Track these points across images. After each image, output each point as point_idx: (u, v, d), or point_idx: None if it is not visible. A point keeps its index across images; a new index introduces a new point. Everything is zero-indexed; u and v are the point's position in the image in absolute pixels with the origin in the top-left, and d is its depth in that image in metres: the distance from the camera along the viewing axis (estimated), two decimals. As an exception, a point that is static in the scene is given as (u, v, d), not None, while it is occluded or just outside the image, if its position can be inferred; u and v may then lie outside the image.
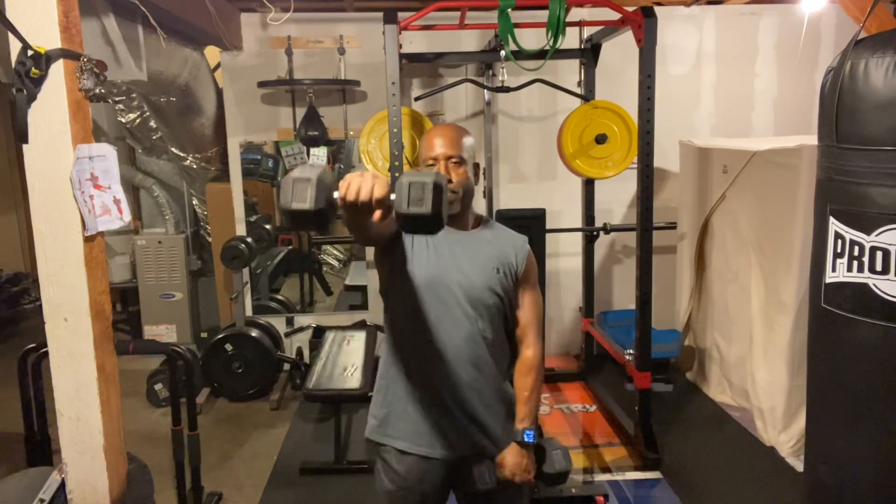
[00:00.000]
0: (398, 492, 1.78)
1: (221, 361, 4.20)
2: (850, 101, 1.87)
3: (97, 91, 1.77)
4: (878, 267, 1.84)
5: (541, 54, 3.27)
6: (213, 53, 4.60)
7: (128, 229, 5.01)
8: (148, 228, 5.06)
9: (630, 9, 3.19)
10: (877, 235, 1.84)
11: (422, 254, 1.74)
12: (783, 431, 3.38)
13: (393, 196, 1.26)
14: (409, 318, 1.73)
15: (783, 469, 3.26)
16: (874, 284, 1.85)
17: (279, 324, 4.68)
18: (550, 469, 1.77)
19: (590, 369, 4.47)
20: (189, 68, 4.20)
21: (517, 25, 3.22)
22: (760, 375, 3.53)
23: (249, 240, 4.42)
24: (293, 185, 1.22)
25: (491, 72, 4.36)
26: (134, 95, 4.51)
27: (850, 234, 1.90)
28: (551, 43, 3.12)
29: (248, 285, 4.69)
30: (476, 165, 1.80)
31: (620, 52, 4.16)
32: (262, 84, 4.37)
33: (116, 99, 4.54)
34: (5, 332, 5.72)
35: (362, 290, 4.89)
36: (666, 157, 4.51)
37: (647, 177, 3.24)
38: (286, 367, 4.47)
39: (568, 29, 3.16)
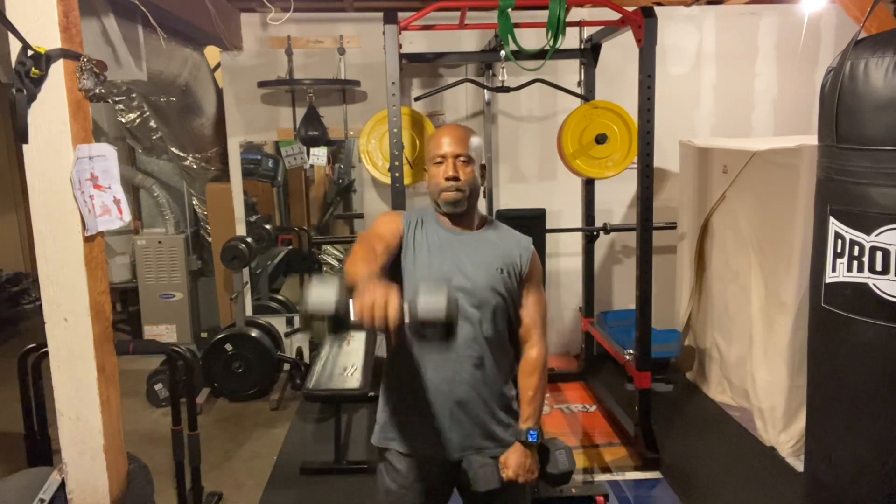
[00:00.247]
0: (399, 491, 1.79)
1: (221, 361, 4.20)
2: (850, 101, 1.87)
3: (97, 91, 1.77)
4: (878, 267, 1.84)
5: (541, 54, 3.26)
6: (213, 53, 4.60)
7: (128, 229, 5.02)
8: (148, 228, 5.06)
9: (630, 9, 3.19)
10: (877, 235, 1.84)
11: (423, 256, 1.74)
12: (783, 431, 3.38)
13: (406, 312, 1.32)
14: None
15: (783, 469, 3.26)
16: (874, 284, 1.85)
17: (279, 324, 4.68)
18: (554, 469, 1.77)
19: (590, 369, 4.47)
20: (189, 68, 4.20)
21: (517, 25, 3.22)
22: (760, 375, 3.53)
23: (249, 240, 4.42)
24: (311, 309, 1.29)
25: (491, 72, 4.36)
26: (134, 95, 4.52)
27: (850, 234, 1.90)
28: (551, 43, 3.12)
29: (248, 285, 4.69)
30: (483, 167, 1.81)
31: (620, 52, 4.16)
32: (262, 84, 4.37)
33: (116, 99, 4.54)
34: (5, 332, 5.72)
35: (362, 290, 4.87)
36: (666, 157, 4.51)
37: (647, 177, 3.24)
38: (286, 367, 4.48)
39: (568, 29, 3.16)
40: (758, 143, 3.64)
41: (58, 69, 1.68)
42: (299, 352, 4.63)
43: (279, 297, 5.11)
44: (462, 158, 1.73)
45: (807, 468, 2.26)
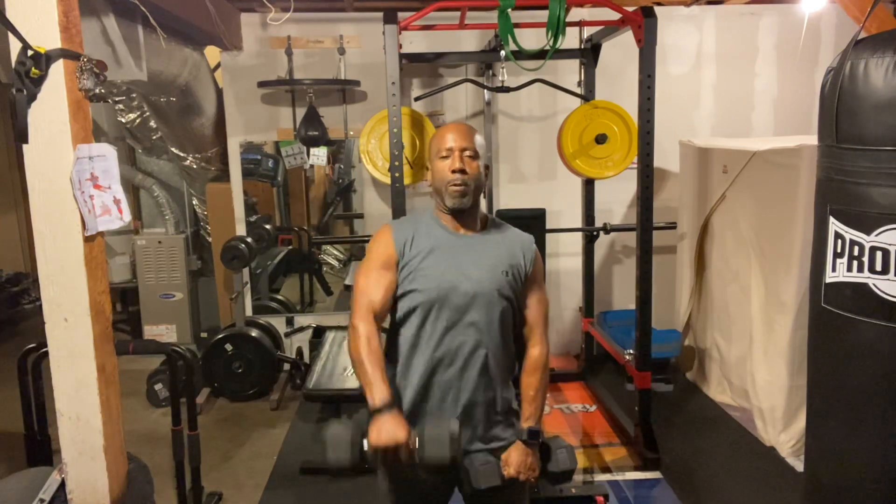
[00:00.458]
0: (400, 490, 1.79)
1: (221, 361, 4.20)
2: (850, 101, 1.87)
3: (97, 91, 1.77)
4: (878, 267, 1.84)
5: (541, 54, 3.26)
6: (213, 53, 4.60)
7: (128, 229, 5.02)
8: (148, 228, 5.06)
9: (630, 9, 3.19)
10: (877, 235, 1.84)
11: (426, 261, 1.74)
12: (783, 431, 3.38)
13: (416, 444, 1.54)
14: (413, 323, 1.74)
15: (783, 469, 3.26)
16: (874, 284, 1.85)
17: (279, 324, 4.68)
18: (555, 468, 1.77)
19: (590, 369, 4.46)
20: (189, 68, 4.20)
21: (517, 25, 3.21)
22: (760, 375, 3.53)
23: (249, 240, 4.42)
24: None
25: (491, 72, 4.36)
26: (134, 95, 4.52)
27: (850, 233, 1.90)
28: (551, 43, 3.11)
29: (248, 285, 4.69)
30: (486, 167, 1.82)
31: (620, 52, 4.16)
32: (262, 84, 4.37)
33: (116, 99, 4.54)
34: (5, 332, 5.72)
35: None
36: (666, 157, 4.51)
37: (647, 177, 3.24)
38: (286, 367, 4.47)
39: (568, 29, 3.15)
40: (758, 143, 3.64)
41: (58, 69, 1.67)
42: (299, 352, 4.63)
43: (279, 297, 5.11)
44: (468, 153, 1.74)
45: (807, 468, 2.26)
